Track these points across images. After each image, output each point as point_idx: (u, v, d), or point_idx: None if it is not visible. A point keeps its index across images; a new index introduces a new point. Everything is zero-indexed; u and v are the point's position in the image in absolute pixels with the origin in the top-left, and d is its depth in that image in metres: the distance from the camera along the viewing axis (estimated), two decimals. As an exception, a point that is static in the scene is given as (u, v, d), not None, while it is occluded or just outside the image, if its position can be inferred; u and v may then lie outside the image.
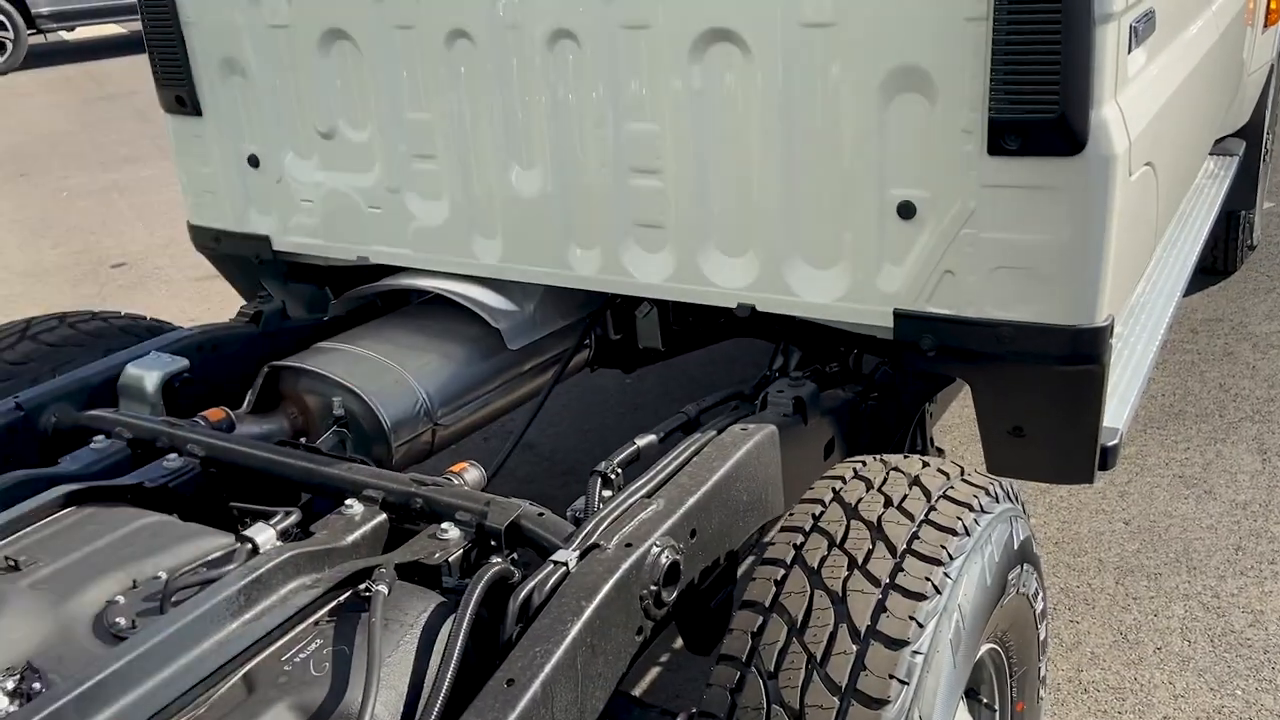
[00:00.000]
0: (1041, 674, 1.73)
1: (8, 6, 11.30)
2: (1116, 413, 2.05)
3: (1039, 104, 1.56)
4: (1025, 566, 1.51)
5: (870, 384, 2.02)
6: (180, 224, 6.75)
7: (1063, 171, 1.60)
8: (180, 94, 2.44)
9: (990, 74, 1.58)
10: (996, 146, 1.62)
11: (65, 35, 12.96)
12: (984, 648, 1.49)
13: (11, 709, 1.20)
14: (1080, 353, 1.69)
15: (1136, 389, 2.17)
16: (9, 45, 11.48)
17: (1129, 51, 1.67)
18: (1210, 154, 3.67)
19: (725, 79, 1.83)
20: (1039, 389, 1.79)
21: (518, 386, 2.32)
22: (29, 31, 11.57)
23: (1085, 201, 1.60)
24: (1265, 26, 3.59)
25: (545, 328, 2.30)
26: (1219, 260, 4.26)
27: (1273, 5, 3.60)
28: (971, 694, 1.63)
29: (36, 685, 1.24)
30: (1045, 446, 1.88)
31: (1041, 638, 1.68)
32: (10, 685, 1.23)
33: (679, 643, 2.32)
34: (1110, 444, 1.94)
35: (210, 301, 5.06)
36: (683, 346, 2.53)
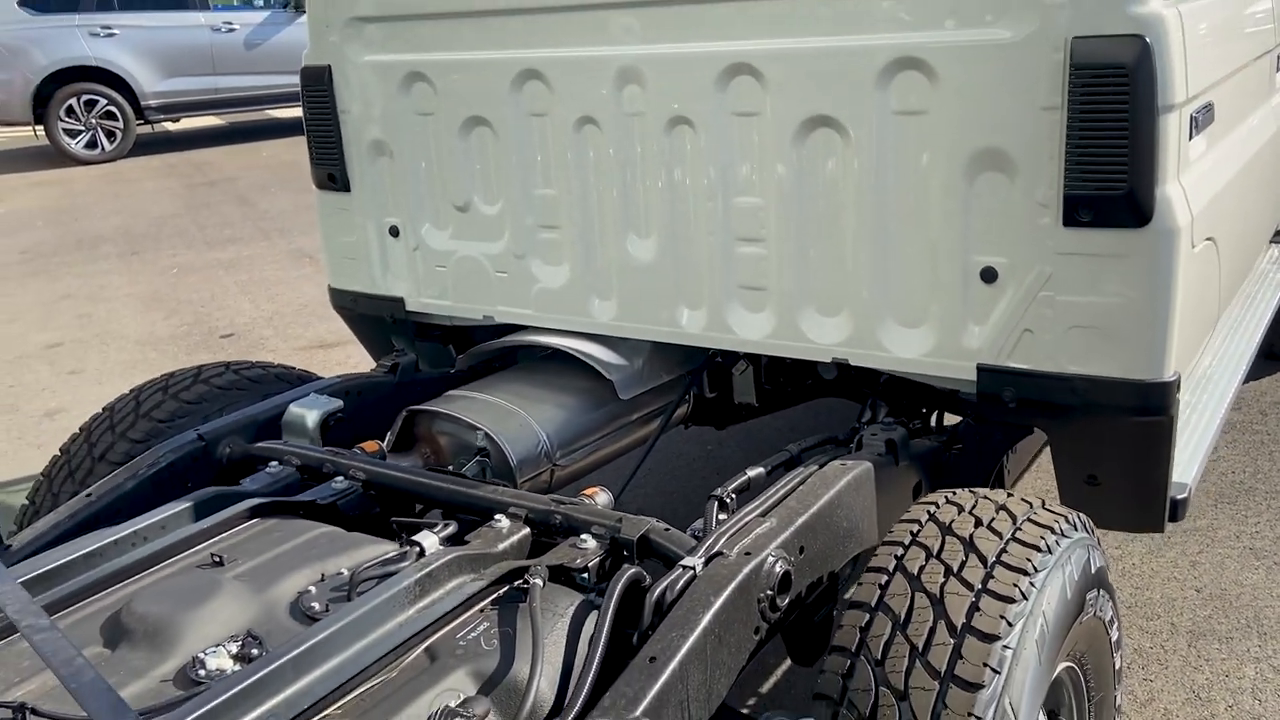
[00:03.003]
0: (1117, 702, 1.87)
1: (119, 98, 12.14)
2: (1186, 469, 2.21)
3: (1109, 182, 1.78)
4: (1101, 592, 1.68)
5: (954, 435, 2.21)
6: (281, 299, 7.16)
7: (1131, 242, 1.81)
8: (332, 172, 2.76)
9: (1065, 156, 1.81)
10: (1071, 219, 1.84)
11: (169, 126, 13.82)
12: (1063, 664, 1.65)
13: (236, 669, 1.43)
14: (1149, 405, 1.88)
15: (1204, 450, 2.33)
16: (118, 134, 12.31)
17: (1189, 138, 1.89)
18: (1275, 242, 3.84)
19: (825, 160, 2.09)
20: (1112, 440, 1.97)
21: (627, 434, 2.55)
22: (137, 122, 12.41)
23: (1152, 268, 1.81)
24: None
25: (652, 381, 2.53)
26: (1288, 346, 4.36)
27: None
28: (1053, 716, 1.78)
29: (255, 651, 1.47)
30: (1118, 495, 2.05)
31: (1117, 666, 1.83)
32: (234, 649, 1.46)
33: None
34: (1180, 497, 2.10)
35: (311, 368, 5.39)
36: (775, 404, 2.75)
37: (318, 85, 2.69)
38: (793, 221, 2.16)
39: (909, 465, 2.08)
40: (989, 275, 1.97)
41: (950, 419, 2.38)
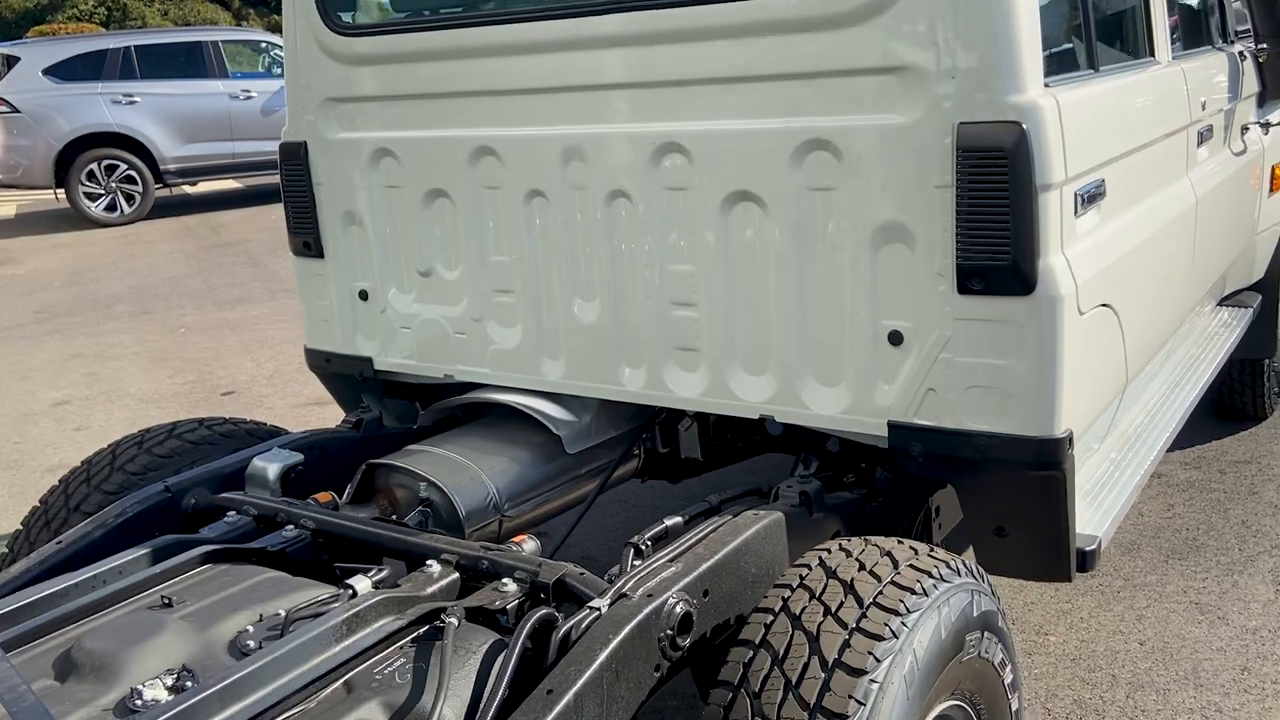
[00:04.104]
0: (1019, 744, 1.97)
1: (138, 163, 12.55)
2: (1098, 522, 2.33)
3: (996, 254, 1.94)
4: (986, 634, 1.80)
5: (873, 488, 2.34)
6: (283, 357, 7.34)
7: (1018, 308, 1.95)
8: (308, 240, 2.95)
9: (956, 230, 1.97)
10: (964, 287, 1.99)
11: (188, 189, 14.23)
12: (949, 702, 1.76)
13: (169, 699, 1.57)
14: (1043, 460, 2.00)
15: (1121, 505, 2.44)
16: (137, 198, 12.69)
17: (1075, 213, 2.04)
18: (1225, 305, 3.97)
19: (748, 231, 2.25)
20: (1012, 493, 2.09)
21: (575, 488, 2.68)
22: (156, 185, 12.80)
23: (1037, 333, 1.95)
24: (1271, 191, 3.93)
25: (599, 436, 2.67)
26: (1248, 406, 4.47)
27: (1277, 172, 3.95)
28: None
29: (188, 684, 1.60)
30: (1025, 546, 2.17)
31: (1014, 708, 1.94)
32: (170, 682, 1.59)
33: None
34: (1089, 548, 2.22)
35: (306, 425, 5.55)
36: (721, 460, 2.88)
37: (295, 160, 2.89)
38: (721, 287, 2.31)
39: (827, 517, 2.20)
40: (896, 338, 2.11)
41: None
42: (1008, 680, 1.89)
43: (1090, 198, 2.10)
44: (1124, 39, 2.71)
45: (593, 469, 2.73)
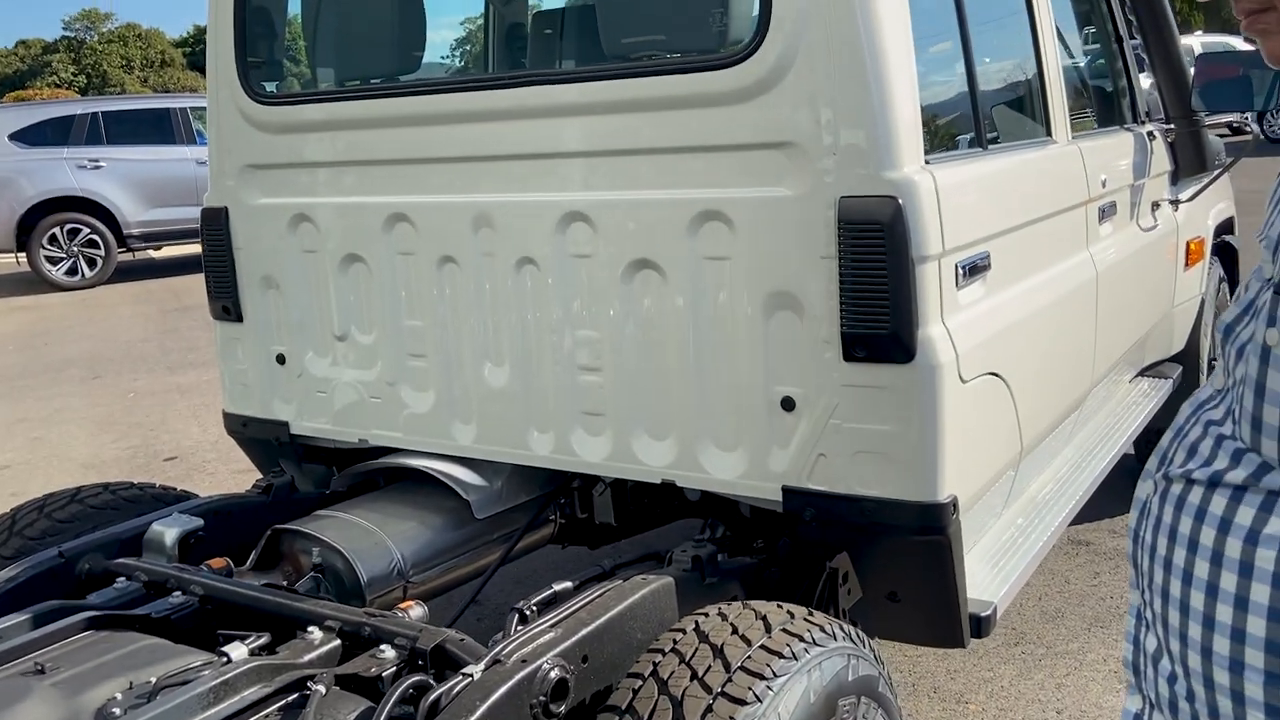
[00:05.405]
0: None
1: (101, 227, 12.55)
2: (996, 589, 2.35)
3: (877, 323, 1.98)
4: (864, 699, 1.80)
5: (773, 554, 2.35)
6: (229, 422, 7.15)
7: (899, 376, 2.00)
8: (227, 304, 2.96)
9: (840, 299, 2.02)
10: (850, 354, 2.03)
11: (152, 254, 14.20)
12: (826, 767, 1.75)
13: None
14: (927, 524, 2.03)
15: (1020, 571, 2.46)
16: (99, 262, 12.67)
17: (956, 284, 2.10)
18: (1146, 375, 4.05)
19: (648, 298, 2.29)
20: (901, 558, 2.11)
21: (485, 553, 2.67)
22: (119, 250, 12.78)
23: (919, 399, 1.99)
24: (1187, 266, 4.04)
25: (511, 501, 2.67)
26: (1178, 475, 4.52)
27: (1192, 247, 4.06)
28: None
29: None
30: (917, 611, 2.18)
31: (900, 776, 1.93)
32: (25, 750, 1.57)
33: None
34: (984, 614, 2.23)
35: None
36: (637, 525, 2.88)
37: (215, 225, 2.92)
38: (624, 353, 2.35)
39: (723, 581, 2.21)
40: (788, 404, 2.14)
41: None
42: (891, 747, 1.89)
43: (973, 269, 2.16)
44: (1023, 120, 2.81)
45: (504, 534, 2.72)
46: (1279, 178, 1.03)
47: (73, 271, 12.56)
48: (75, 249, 12.55)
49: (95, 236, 12.57)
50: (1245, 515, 0.97)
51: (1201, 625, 1.00)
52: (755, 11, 2.07)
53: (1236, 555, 0.97)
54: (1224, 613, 0.98)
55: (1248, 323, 1.00)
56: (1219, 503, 0.99)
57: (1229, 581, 0.97)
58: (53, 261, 12.45)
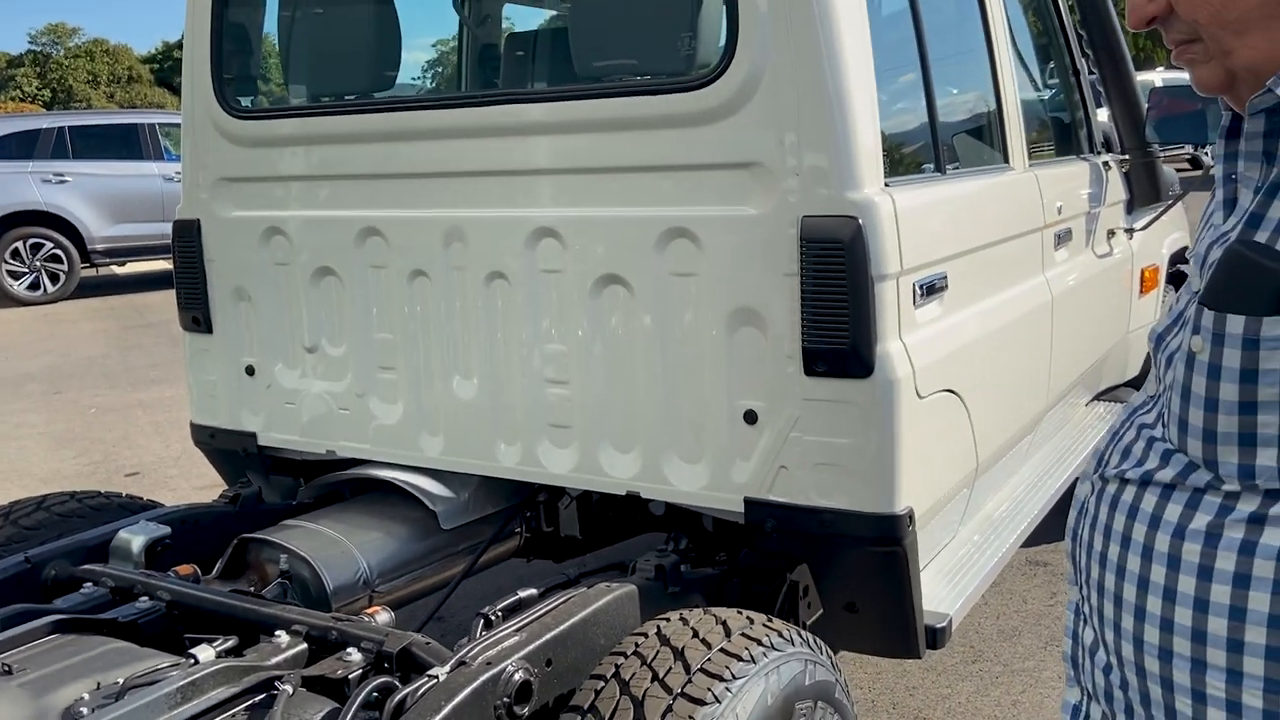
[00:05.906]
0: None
1: (64, 242, 12.43)
2: (951, 602, 2.40)
3: (837, 338, 2.05)
4: (820, 704, 1.84)
5: (735, 566, 2.39)
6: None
7: (858, 390, 2.06)
8: (197, 315, 2.98)
9: (802, 315, 2.08)
10: (810, 369, 2.09)
11: (116, 269, 14.07)
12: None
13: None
14: (883, 535, 2.09)
15: (975, 586, 2.52)
16: (62, 277, 12.53)
17: (914, 302, 2.17)
18: (1102, 400, 4.15)
19: (616, 313, 2.34)
20: (858, 569, 2.16)
21: (451, 564, 2.70)
22: (82, 265, 12.66)
23: (876, 413, 2.05)
24: (1141, 293, 4.16)
25: (477, 512, 2.70)
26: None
27: (1146, 275, 4.18)
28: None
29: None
30: (874, 621, 2.23)
31: (857, 779, 1.97)
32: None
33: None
34: (939, 626, 2.29)
35: (210, 506, 5.46)
36: (602, 539, 2.92)
37: (187, 237, 2.94)
38: (591, 366, 2.39)
39: (686, 590, 2.25)
40: (750, 417, 2.20)
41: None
42: (847, 752, 1.94)
43: (930, 289, 2.23)
44: (982, 147, 2.90)
45: (470, 546, 2.75)
46: (1210, 197, 1.10)
47: (35, 286, 12.42)
48: (38, 264, 12.41)
49: (59, 251, 12.44)
50: (1173, 512, 1.03)
51: (1133, 616, 1.06)
52: (722, 36, 2.14)
53: (1165, 549, 1.03)
54: (1154, 604, 1.04)
55: (1177, 332, 1.07)
56: (1150, 500, 1.06)
57: (1158, 574, 1.03)
58: (15, 276, 12.30)
